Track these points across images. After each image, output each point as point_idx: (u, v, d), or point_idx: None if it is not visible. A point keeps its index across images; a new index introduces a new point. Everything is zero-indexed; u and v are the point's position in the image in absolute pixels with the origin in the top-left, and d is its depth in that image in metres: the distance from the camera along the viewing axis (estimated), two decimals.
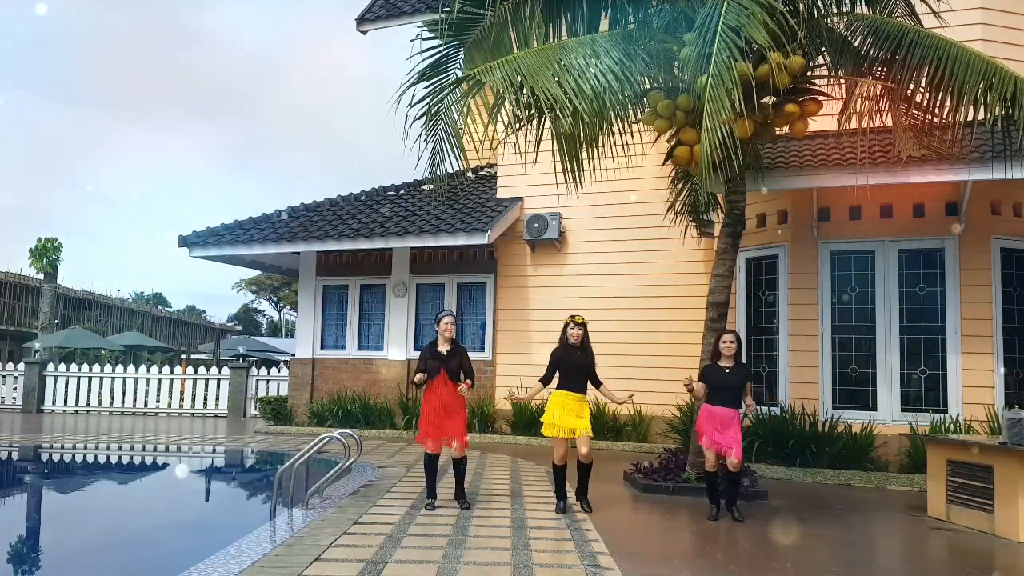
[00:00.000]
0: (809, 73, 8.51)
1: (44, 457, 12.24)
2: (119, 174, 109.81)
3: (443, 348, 7.13)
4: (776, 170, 9.63)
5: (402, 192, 15.91)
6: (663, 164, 9.49)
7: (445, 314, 7.26)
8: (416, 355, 14.36)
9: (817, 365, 10.38)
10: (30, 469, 11.26)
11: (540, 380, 7.19)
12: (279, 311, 61.28)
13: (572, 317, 7.16)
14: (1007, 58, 8.95)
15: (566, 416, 6.93)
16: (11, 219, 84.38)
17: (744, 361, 7.76)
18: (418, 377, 7.05)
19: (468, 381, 7.10)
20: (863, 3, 8.64)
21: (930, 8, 8.71)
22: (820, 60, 8.79)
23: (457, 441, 7.04)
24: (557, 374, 7.10)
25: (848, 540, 6.55)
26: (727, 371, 7.15)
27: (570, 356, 7.06)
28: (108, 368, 20.18)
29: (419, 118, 7.98)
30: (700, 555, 6.03)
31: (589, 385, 7.14)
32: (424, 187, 15.62)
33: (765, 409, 10.37)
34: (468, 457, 7.40)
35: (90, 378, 19.48)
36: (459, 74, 8.73)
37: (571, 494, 7.40)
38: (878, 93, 8.34)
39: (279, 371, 19.00)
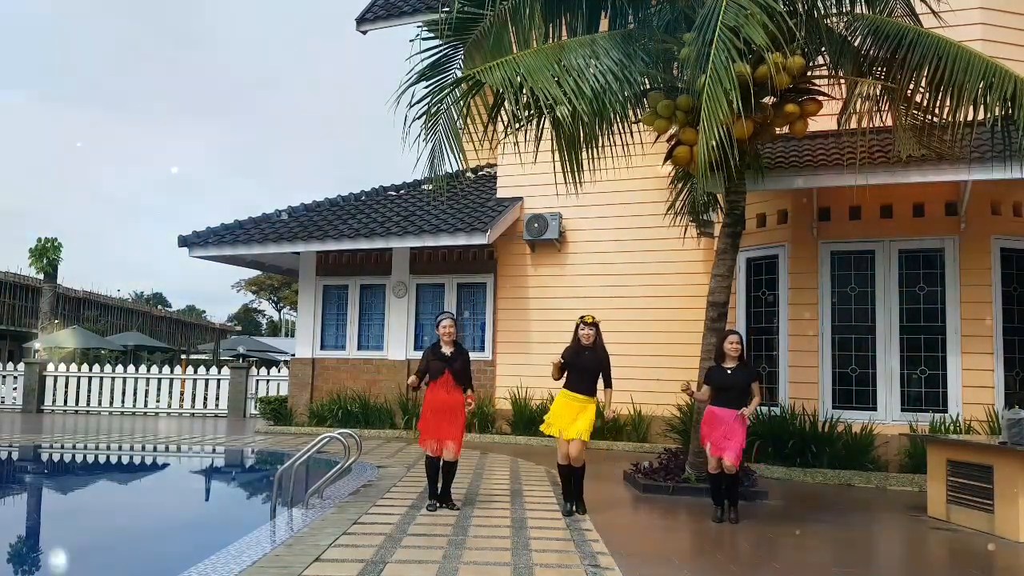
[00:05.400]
0: (809, 73, 8.51)
1: (44, 457, 12.24)
2: (119, 174, 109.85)
3: (446, 350, 7.13)
4: (776, 170, 9.63)
5: (402, 192, 15.91)
6: (663, 164, 9.49)
7: (445, 317, 7.24)
8: (416, 355, 14.37)
9: (817, 365, 10.37)
10: (30, 469, 11.26)
11: (556, 376, 7.10)
12: (279, 311, 61.28)
13: (583, 317, 7.09)
14: (1007, 58, 8.94)
15: (565, 417, 6.91)
16: (11, 219, 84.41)
17: (747, 360, 7.69)
18: (411, 380, 7.02)
19: (471, 393, 7.15)
20: (863, 3, 8.64)
21: (930, 8, 8.71)
22: (820, 60, 8.79)
23: (453, 444, 7.02)
24: (567, 374, 7.04)
25: (848, 540, 6.56)
26: (730, 372, 7.13)
27: (580, 357, 7.00)
28: (108, 368, 20.18)
29: (419, 118, 7.97)
30: (700, 555, 6.04)
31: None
32: (424, 187, 15.62)
33: (765, 409, 10.36)
34: (464, 460, 7.39)
35: (90, 378, 19.48)
36: (459, 74, 8.73)
37: None
38: (878, 93, 8.34)
39: (279, 371, 18.99)
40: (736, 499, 7.10)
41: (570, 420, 6.89)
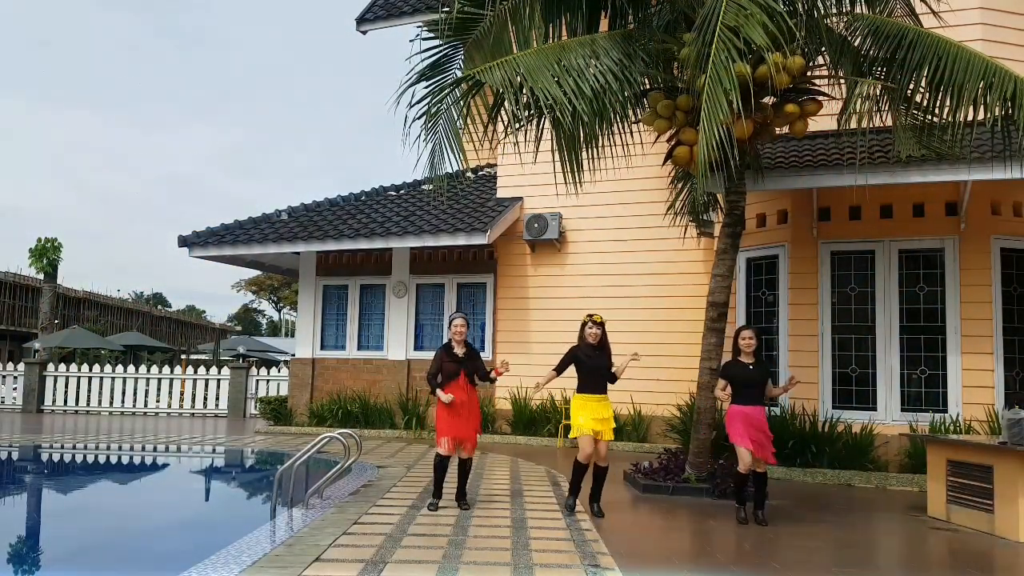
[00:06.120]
0: (809, 73, 8.51)
1: (44, 457, 12.23)
2: (119, 174, 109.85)
3: (459, 351, 7.14)
4: (776, 170, 9.63)
5: (402, 192, 15.92)
6: (663, 164, 9.49)
7: (457, 317, 7.25)
8: (416, 355, 14.42)
9: (817, 365, 10.37)
10: (30, 469, 11.26)
11: (554, 369, 7.07)
12: (279, 311, 61.33)
13: (590, 316, 7.05)
14: (1007, 58, 8.95)
15: (591, 419, 6.82)
16: (11, 219, 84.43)
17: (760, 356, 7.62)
18: (446, 398, 6.93)
19: (498, 368, 7.19)
20: (863, 3, 8.64)
21: (930, 8, 8.71)
22: (820, 60, 8.79)
23: (469, 443, 7.08)
24: (577, 375, 7.00)
25: (848, 540, 6.55)
26: (752, 368, 7.11)
27: (589, 356, 6.98)
28: (108, 368, 20.18)
29: (419, 118, 7.97)
30: (700, 555, 6.04)
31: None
32: (424, 187, 15.63)
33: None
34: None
35: (90, 378, 19.47)
36: (459, 74, 8.73)
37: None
38: (878, 93, 8.33)
39: (279, 371, 18.99)
40: (764, 500, 7.09)
41: (597, 418, 6.82)
